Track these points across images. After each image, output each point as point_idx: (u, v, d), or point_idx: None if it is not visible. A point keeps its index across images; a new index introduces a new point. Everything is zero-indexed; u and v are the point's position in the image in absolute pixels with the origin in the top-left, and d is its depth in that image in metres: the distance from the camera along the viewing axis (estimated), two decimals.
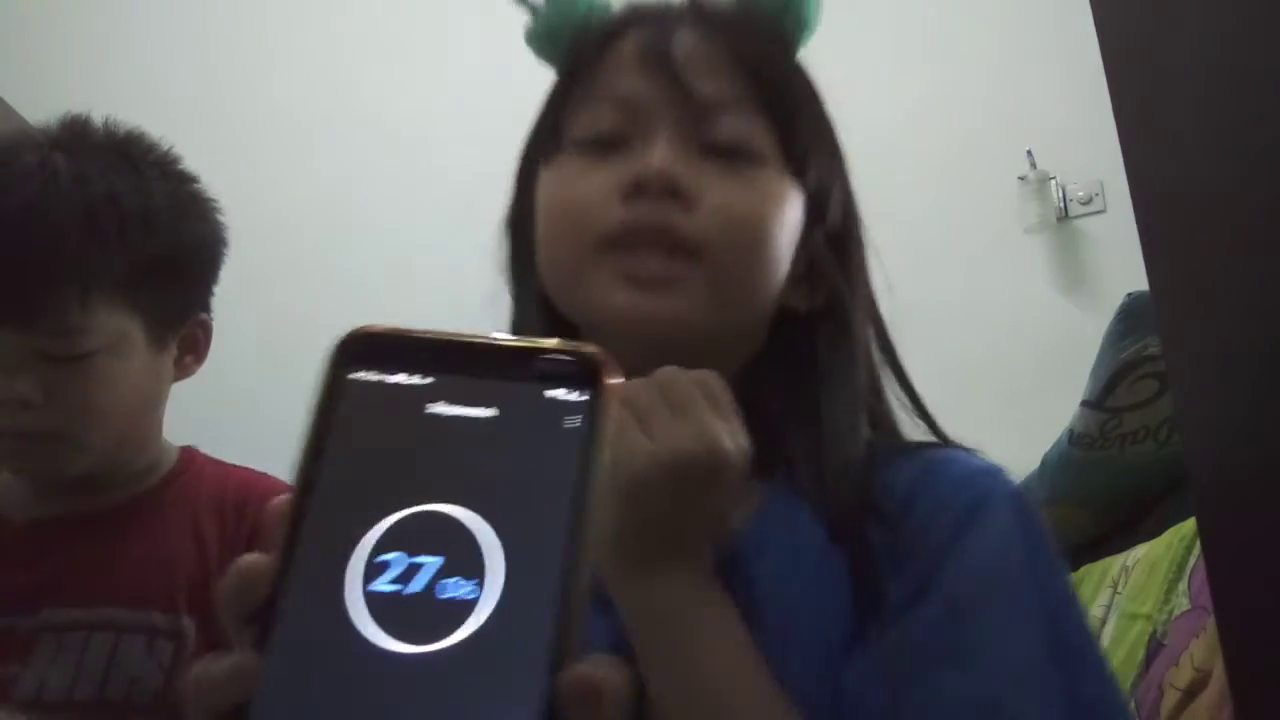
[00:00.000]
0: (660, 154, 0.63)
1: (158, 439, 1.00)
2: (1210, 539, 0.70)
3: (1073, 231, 2.47)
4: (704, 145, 0.65)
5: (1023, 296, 2.43)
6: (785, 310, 0.69)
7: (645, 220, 0.63)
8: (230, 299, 1.03)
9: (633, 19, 0.70)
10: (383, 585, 0.30)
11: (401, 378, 0.32)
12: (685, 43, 0.67)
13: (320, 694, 0.29)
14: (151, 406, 0.97)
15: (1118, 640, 1.19)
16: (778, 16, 0.71)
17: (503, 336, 0.34)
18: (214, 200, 0.98)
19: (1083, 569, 1.46)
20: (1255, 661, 0.64)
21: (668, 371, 0.58)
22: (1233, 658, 0.67)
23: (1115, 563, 1.34)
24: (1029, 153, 2.45)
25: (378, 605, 0.30)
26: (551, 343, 0.33)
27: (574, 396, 0.32)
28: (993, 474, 0.64)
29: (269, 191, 2.35)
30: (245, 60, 2.59)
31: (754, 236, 0.65)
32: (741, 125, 0.66)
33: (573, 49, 0.71)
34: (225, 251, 0.98)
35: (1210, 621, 0.98)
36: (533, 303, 0.70)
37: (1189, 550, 1.11)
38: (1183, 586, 1.09)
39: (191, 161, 0.99)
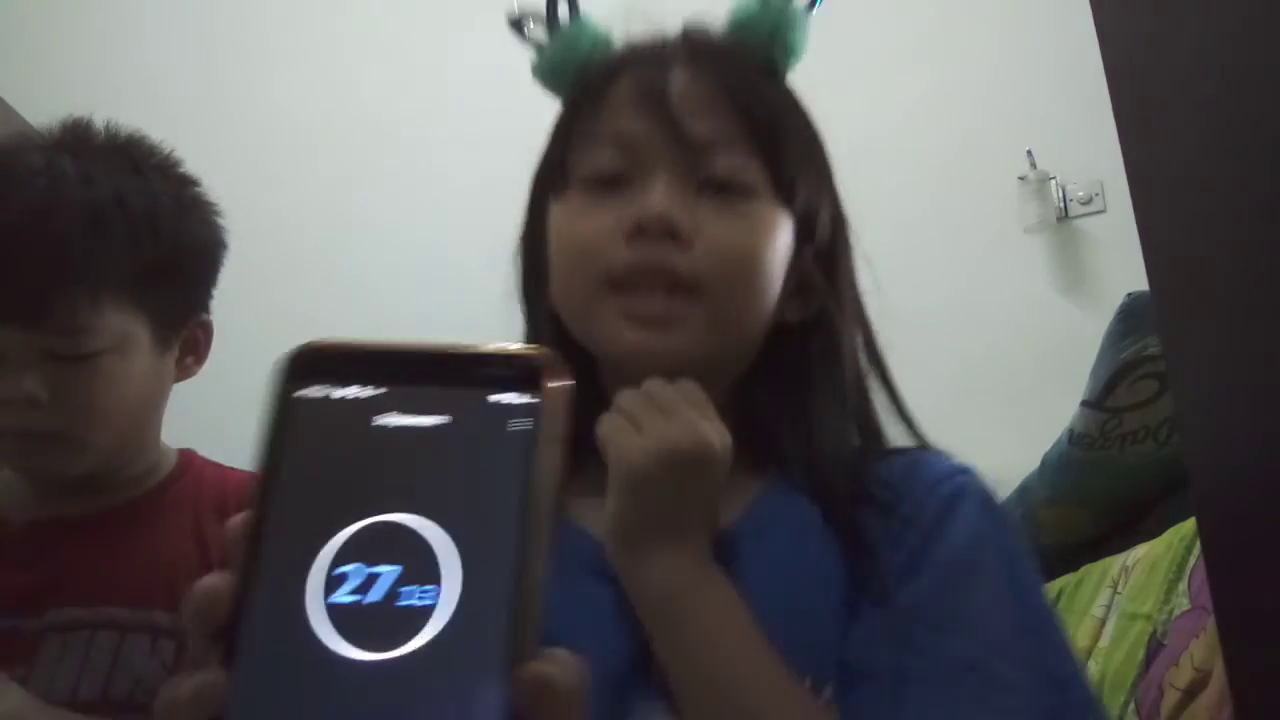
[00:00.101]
0: (658, 197, 0.68)
1: (157, 441, 1.00)
2: (1210, 539, 0.70)
3: (1073, 231, 2.47)
4: (699, 181, 0.70)
5: (1023, 296, 2.43)
6: (779, 322, 0.74)
7: (646, 261, 0.68)
8: (230, 299, 1.03)
9: (630, 58, 0.75)
10: (343, 596, 0.31)
11: (350, 390, 0.33)
12: (679, 82, 0.71)
13: (289, 706, 0.30)
14: (153, 407, 0.97)
15: (1118, 640, 1.19)
16: (766, 46, 0.75)
17: (448, 344, 0.34)
18: (215, 204, 0.99)
19: (1083, 569, 1.46)
20: (1255, 661, 0.64)
21: (654, 382, 0.65)
22: (1233, 658, 0.68)
23: (1115, 563, 1.34)
24: (1029, 153, 2.45)
25: (339, 616, 0.31)
26: (495, 348, 0.34)
27: (519, 400, 0.33)
28: (967, 471, 0.71)
29: (269, 192, 2.35)
30: (245, 60, 2.59)
31: (748, 270, 0.70)
32: (733, 161, 0.71)
33: (576, 84, 0.76)
34: (225, 253, 0.99)
35: (1210, 621, 0.98)
36: (545, 320, 0.75)
37: (1189, 550, 1.11)
38: (1183, 586, 1.09)
39: (192, 161, 0.99)
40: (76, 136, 0.93)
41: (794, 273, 0.73)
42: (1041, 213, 2.44)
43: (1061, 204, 2.46)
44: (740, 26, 0.76)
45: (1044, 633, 0.64)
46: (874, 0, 2.63)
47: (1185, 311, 0.69)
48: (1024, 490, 1.77)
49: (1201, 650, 0.98)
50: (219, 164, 1.07)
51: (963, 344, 2.36)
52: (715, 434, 0.63)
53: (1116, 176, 0.70)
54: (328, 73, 2.60)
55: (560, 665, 0.30)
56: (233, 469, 1.01)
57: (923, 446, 0.74)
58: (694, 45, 0.75)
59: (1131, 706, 1.09)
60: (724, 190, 0.70)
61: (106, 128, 0.95)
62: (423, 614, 0.30)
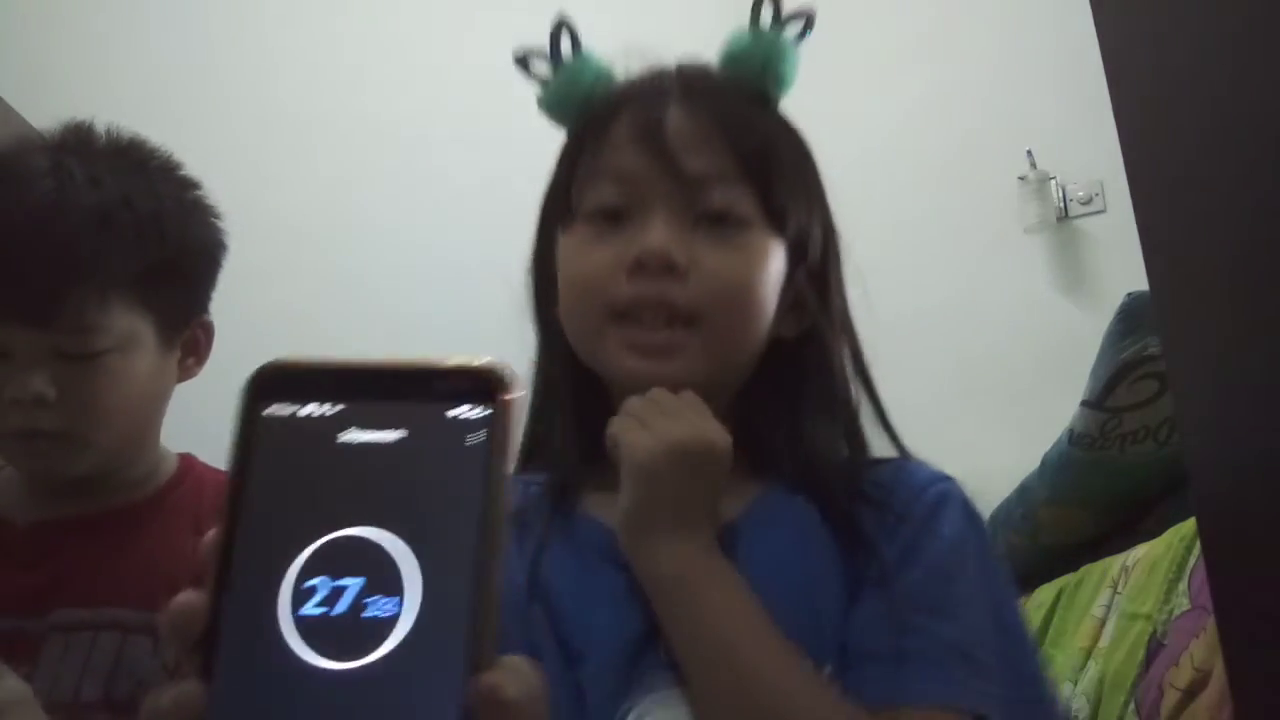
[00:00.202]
0: (657, 234, 0.73)
1: (157, 442, 1.00)
2: (1210, 539, 0.70)
3: (1073, 231, 2.46)
4: (695, 214, 0.75)
5: (1023, 296, 2.43)
6: (775, 337, 0.79)
7: (647, 295, 0.73)
8: (230, 299, 1.03)
9: (629, 95, 0.80)
10: (311, 609, 0.33)
11: (313, 408, 0.35)
12: (674, 120, 0.76)
13: (262, 713, 0.32)
14: (155, 408, 0.98)
15: (1118, 640, 1.19)
16: (758, 78, 0.80)
17: (405, 360, 0.35)
18: (215, 206, 1.00)
19: (1083, 569, 1.46)
20: (1255, 661, 0.64)
21: (659, 390, 0.72)
22: (1233, 658, 0.68)
23: (1115, 563, 1.34)
24: (1029, 153, 2.45)
25: (308, 628, 0.32)
26: (452, 362, 0.35)
27: (476, 413, 0.34)
28: (950, 479, 0.77)
29: (269, 191, 2.35)
30: (245, 60, 2.58)
31: (743, 299, 0.75)
32: (728, 195, 0.76)
33: (579, 118, 0.81)
34: (226, 255, 1.00)
35: (1210, 621, 0.98)
36: (557, 339, 0.80)
37: (1189, 550, 1.11)
38: (1183, 586, 1.09)
39: (192, 161, 1.00)
40: (80, 139, 0.94)
41: (788, 292, 0.78)
42: (1041, 213, 2.44)
43: (1061, 204, 2.46)
44: (733, 59, 0.80)
45: (1013, 631, 0.71)
46: (874, 0, 2.63)
47: (1185, 311, 0.69)
48: (1024, 490, 1.77)
49: (1201, 650, 0.98)
50: (219, 164, 1.08)
51: (963, 344, 2.36)
52: (716, 432, 0.70)
53: (1116, 176, 0.71)
54: (328, 72, 2.60)
55: (513, 673, 0.32)
56: None
57: (904, 456, 0.79)
58: (688, 82, 0.79)
59: (1131, 706, 1.09)
60: (719, 222, 0.75)
61: (108, 131, 0.96)
62: (387, 624, 0.32)
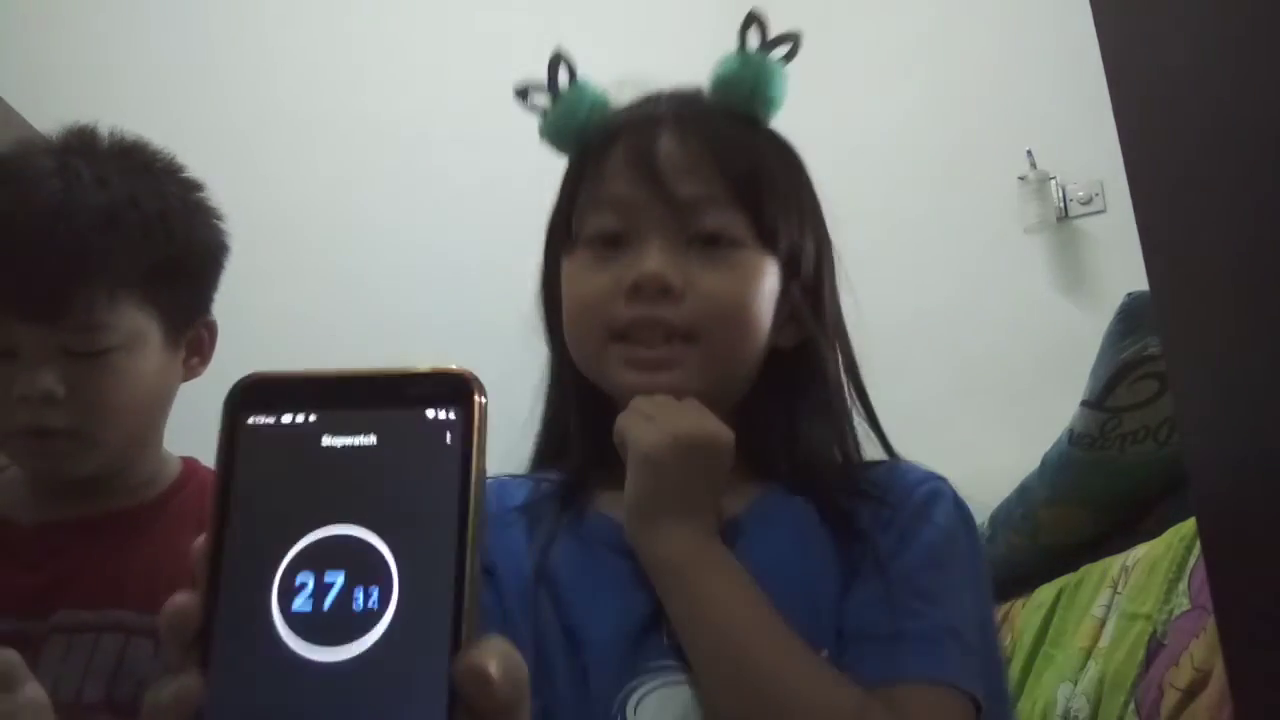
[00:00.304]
0: (652, 259, 0.77)
1: (160, 444, 1.01)
2: (1210, 539, 0.70)
3: (1073, 231, 2.47)
4: (689, 237, 0.79)
5: (1023, 296, 2.43)
6: (773, 347, 0.82)
7: (644, 316, 0.77)
8: (231, 299, 1.03)
9: (624, 124, 0.83)
10: (300, 603, 0.35)
11: (292, 417, 0.37)
12: (666, 147, 0.80)
13: (259, 704, 0.34)
14: (161, 406, 0.98)
15: (1118, 640, 1.19)
16: (748, 101, 0.83)
17: (380, 369, 0.37)
18: (217, 208, 1.01)
19: (1083, 569, 1.46)
20: (1255, 661, 0.64)
21: (661, 394, 0.76)
22: (1233, 658, 0.68)
23: (1115, 563, 1.34)
24: (1029, 153, 2.45)
25: (299, 622, 0.34)
26: (423, 368, 0.37)
27: (448, 415, 0.36)
28: (941, 478, 0.81)
29: (269, 191, 2.35)
30: (245, 60, 2.58)
31: (738, 315, 0.79)
32: (720, 218, 0.79)
33: (578, 146, 0.84)
34: (228, 257, 1.01)
35: (1210, 621, 0.98)
36: (565, 353, 0.84)
37: (1189, 550, 1.11)
38: (1183, 586, 1.09)
39: (192, 161, 1.01)
40: (84, 142, 0.95)
41: (784, 306, 0.82)
42: (1041, 213, 2.44)
43: (1061, 204, 2.46)
44: (723, 83, 0.83)
45: (988, 628, 0.77)
46: (873, 1, 2.63)
47: (1185, 311, 0.69)
48: (1024, 490, 1.77)
49: (1201, 650, 0.98)
50: (219, 164, 1.08)
51: (962, 344, 2.36)
52: (719, 427, 0.74)
53: (1116, 176, 0.71)
54: (328, 72, 2.60)
55: (493, 652, 0.34)
56: None
57: (894, 459, 0.83)
58: (679, 109, 0.83)
59: (1131, 706, 1.09)
60: (712, 244, 0.79)
61: (111, 134, 0.97)
62: (373, 615, 0.34)
